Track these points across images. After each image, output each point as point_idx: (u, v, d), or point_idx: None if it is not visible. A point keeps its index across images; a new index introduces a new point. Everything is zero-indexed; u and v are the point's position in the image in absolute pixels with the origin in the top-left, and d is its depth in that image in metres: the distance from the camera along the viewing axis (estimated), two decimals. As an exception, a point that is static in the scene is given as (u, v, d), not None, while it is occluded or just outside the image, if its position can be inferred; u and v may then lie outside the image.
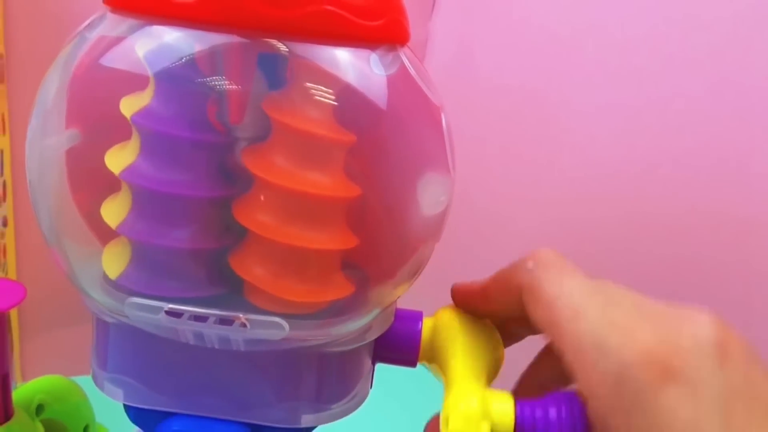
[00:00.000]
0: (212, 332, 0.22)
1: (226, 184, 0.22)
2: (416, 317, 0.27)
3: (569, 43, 0.51)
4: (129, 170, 0.21)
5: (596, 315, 0.21)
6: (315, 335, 0.22)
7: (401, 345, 0.27)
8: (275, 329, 0.21)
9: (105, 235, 0.23)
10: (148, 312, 0.21)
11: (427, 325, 0.27)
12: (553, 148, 0.54)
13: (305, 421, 0.24)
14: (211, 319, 0.22)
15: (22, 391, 0.32)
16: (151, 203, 0.22)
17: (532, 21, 0.54)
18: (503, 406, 0.22)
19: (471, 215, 0.54)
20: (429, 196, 0.23)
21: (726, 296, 0.44)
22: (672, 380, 0.19)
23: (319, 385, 0.24)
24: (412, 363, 0.27)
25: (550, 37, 0.53)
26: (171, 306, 0.21)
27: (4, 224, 0.48)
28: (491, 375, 0.26)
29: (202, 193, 0.22)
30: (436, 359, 0.27)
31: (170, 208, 0.22)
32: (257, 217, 0.21)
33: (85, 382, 0.37)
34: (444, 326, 0.27)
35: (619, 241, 0.48)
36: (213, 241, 0.22)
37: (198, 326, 0.22)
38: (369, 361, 0.26)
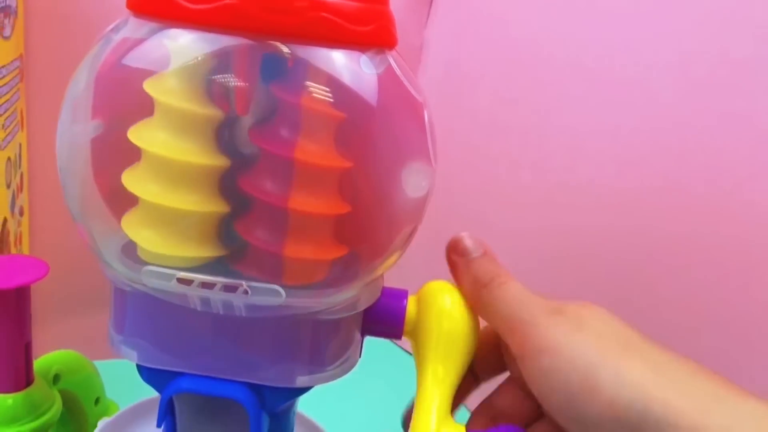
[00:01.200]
0: (217, 298, 0.25)
1: (234, 158, 0.24)
2: (402, 295, 0.30)
3: (561, 50, 0.53)
4: (147, 141, 0.24)
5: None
6: (309, 303, 0.25)
7: (387, 320, 0.30)
8: (273, 296, 0.24)
9: (122, 212, 0.26)
10: (161, 279, 0.24)
11: (411, 302, 0.30)
12: (543, 152, 0.56)
13: (300, 381, 0.27)
14: (217, 287, 0.24)
15: (40, 361, 0.35)
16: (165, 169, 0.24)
17: (524, 27, 0.57)
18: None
19: (458, 215, 0.57)
20: (412, 181, 0.25)
21: (716, 301, 0.46)
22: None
23: (312, 349, 0.27)
24: (397, 336, 0.30)
25: (543, 43, 0.55)
26: (182, 274, 0.24)
27: (21, 213, 0.51)
28: (465, 363, 0.29)
29: (211, 162, 0.24)
30: (414, 341, 0.30)
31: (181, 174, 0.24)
32: (262, 185, 0.24)
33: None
34: (426, 307, 0.29)
35: (605, 246, 0.51)
36: (220, 206, 0.25)
37: (205, 293, 0.25)
38: (358, 332, 0.29)
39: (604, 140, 0.51)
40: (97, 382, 0.40)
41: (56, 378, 0.36)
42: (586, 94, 0.52)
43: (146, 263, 0.25)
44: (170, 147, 0.24)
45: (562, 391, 0.24)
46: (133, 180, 0.24)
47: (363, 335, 0.30)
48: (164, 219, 0.24)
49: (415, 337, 0.29)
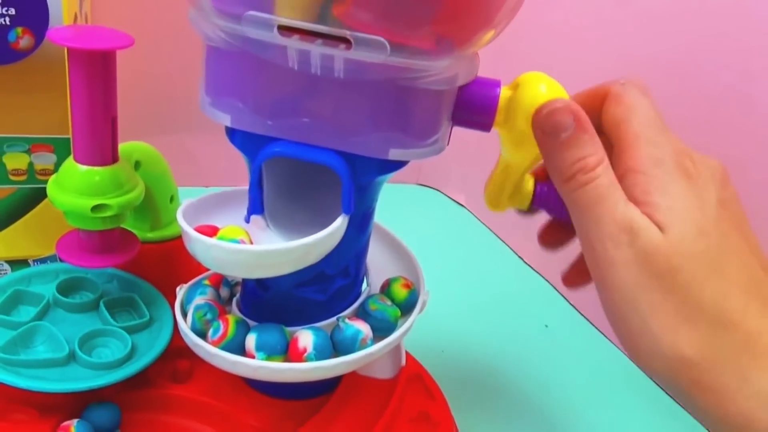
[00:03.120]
0: (318, 51, 0.24)
1: None
2: (494, 84, 0.29)
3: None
4: None
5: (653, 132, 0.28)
6: (411, 64, 0.24)
7: (480, 107, 0.29)
8: (378, 50, 0.23)
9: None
10: (262, 27, 0.23)
11: (504, 91, 0.29)
12: None
13: (392, 154, 0.27)
14: (318, 41, 0.24)
15: (122, 147, 0.35)
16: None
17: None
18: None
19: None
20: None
21: None
22: None
23: (407, 121, 0.26)
24: (487, 126, 0.29)
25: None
26: (283, 20, 0.23)
27: (86, 20, 0.50)
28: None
29: None
30: (504, 129, 0.29)
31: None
32: None
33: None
34: (521, 91, 0.28)
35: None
36: None
37: (305, 45, 0.24)
38: (449, 116, 0.28)
39: None
40: (172, 181, 0.41)
41: (137, 165, 0.36)
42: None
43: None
44: None
45: None
46: None
47: (453, 123, 0.29)
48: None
49: (507, 122, 0.29)
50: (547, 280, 0.58)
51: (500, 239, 0.65)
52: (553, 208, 0.32)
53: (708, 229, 0.26)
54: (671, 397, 0.45)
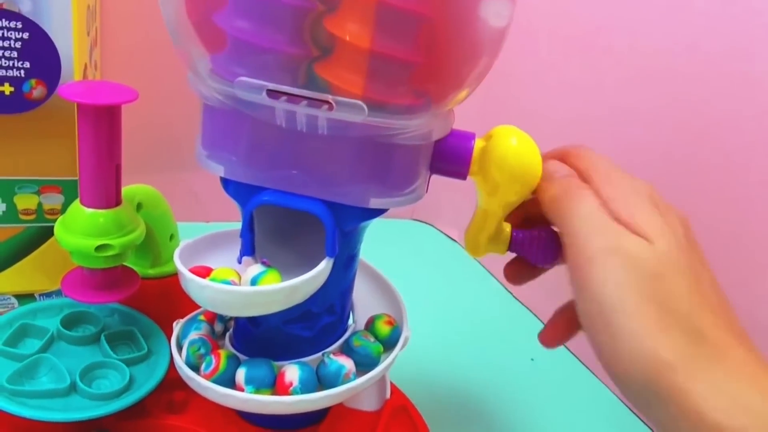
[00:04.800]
0: (303, 112, 0.26)
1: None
2: (469, 137, 0.31)
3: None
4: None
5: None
6: (389, 123, 0.27)
7: (455, 158, 0.31)
8: (356, 111, 0.26)
9: (210, 41, 0.27)
10: (252, 90, 0.26)
11: (479, 143, 0.31)
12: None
13: (373, 203, 0.29)
14: (303, 102, 0.26)
15: (125, 190, 0.37)
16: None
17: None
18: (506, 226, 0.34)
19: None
20: (492, 9, 0.26)
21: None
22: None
23: (386, 172, 0.29)
24: (463, 175, 0.31)
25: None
26: (272, 86, 0.26)
27: (95, 68, 0.53)
28: (524, 195, 0.32)
29: (296, 1, 0.25)
30: (479, 177, 0.31)
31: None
32: (346, 26, 0.25)
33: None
34: (494, 144, 0.31)
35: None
36: (304, 47, 0.26)
37: (291, 107, 0.26)
38: (427, 167, 0.31)
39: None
40: (172, 220, 0.43)
41: (138, 207, 0.39)
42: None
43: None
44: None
45: None
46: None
47: (431, 172, 0.31)
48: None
49: (481, 172, 0.31)
50: (534, 315, 0.60)
51: (490, 273, 0.67)
52: (528, 253, 0.35)
53: (685, 250, 0.28)
54: (647, 423, 0.47)
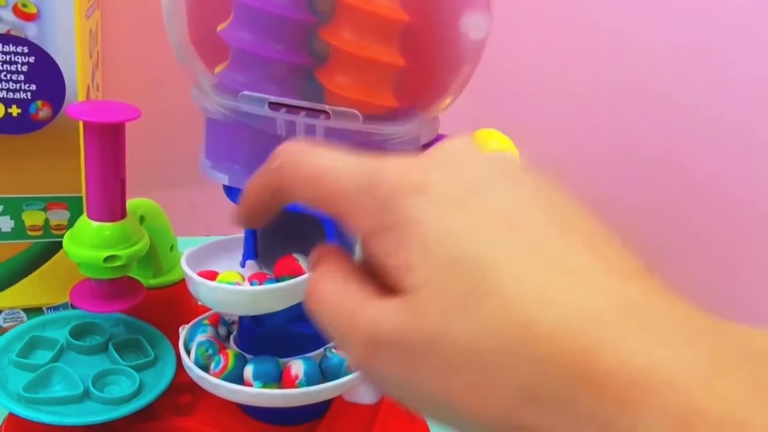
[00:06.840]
0: (302, 122, 0.28)
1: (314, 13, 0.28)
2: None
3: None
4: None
5: None
6: (381, 129, 0.29)
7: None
8: (351, 119, 0.28)
9: (213, 56, 0.30)
10: (255, 103, 0.28)
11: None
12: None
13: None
14: (303, 113, 0.28)
15: (128, 203, 0.39)
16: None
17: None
18: None
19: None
20: (472, 23, 0.29)
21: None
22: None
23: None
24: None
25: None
26: (273, 98, 0.28)
27: (97, 89, 0.55)
28: None
29: (294, 14, 0.28)
30: None
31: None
32: (340, 35, 0.28)
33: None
34: None
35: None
36: (302, 57, 0.28)
37: (292, 117, 0.28)
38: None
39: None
40: (171, 232, 0.45)
41: (141, 219, 0.41)
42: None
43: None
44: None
45: None
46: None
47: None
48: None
49: None
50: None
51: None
52: None
53: None
54: None
